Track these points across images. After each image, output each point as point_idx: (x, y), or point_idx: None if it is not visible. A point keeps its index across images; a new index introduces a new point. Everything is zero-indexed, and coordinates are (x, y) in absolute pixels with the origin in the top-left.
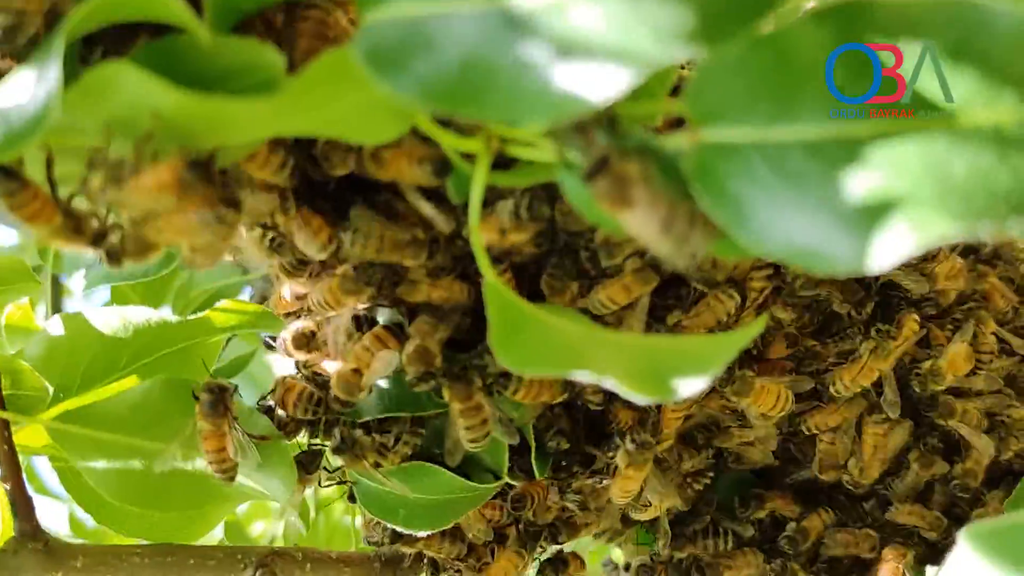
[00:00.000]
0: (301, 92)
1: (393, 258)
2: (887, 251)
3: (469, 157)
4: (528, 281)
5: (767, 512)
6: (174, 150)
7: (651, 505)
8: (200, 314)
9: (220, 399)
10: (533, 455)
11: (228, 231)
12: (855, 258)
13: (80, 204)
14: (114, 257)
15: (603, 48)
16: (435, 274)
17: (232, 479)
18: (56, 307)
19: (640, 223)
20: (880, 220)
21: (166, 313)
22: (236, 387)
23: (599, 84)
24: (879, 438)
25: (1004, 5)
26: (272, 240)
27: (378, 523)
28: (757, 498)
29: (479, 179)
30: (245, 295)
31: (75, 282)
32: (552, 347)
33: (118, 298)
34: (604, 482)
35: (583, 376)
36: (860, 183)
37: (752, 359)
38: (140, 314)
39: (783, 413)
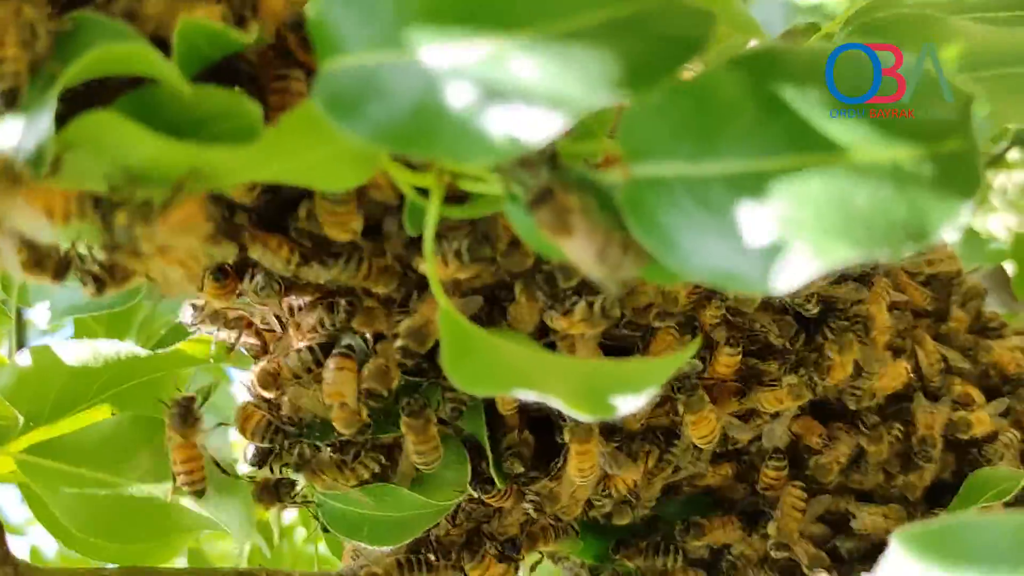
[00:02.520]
0: (276, 141)
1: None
2: (793, 273)
3: (423, 192)
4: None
5: (706, 542)
6: (197, 189)
7: (612, 494)
8: (169, 348)
9: (189, 410)
10: (491, 465)
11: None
12: (765, 279)
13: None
14: (97, 285)
15: (537, 95)
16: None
17: (202, 493)
18: (20, 340)
19: (578, 250)
20: (787, 245)
21: (135, 347)
22: (202, 399)
23: (535, 127)
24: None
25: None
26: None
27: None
28: (697, 527)
29: (432, 212)
30: None
31: (37, 314)
32: (500, 369)
33: (82, 330)
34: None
35: (528, 395)
36: (771, 212)
37: (705, 386)
38: (110, 347)
39: (710, 446)
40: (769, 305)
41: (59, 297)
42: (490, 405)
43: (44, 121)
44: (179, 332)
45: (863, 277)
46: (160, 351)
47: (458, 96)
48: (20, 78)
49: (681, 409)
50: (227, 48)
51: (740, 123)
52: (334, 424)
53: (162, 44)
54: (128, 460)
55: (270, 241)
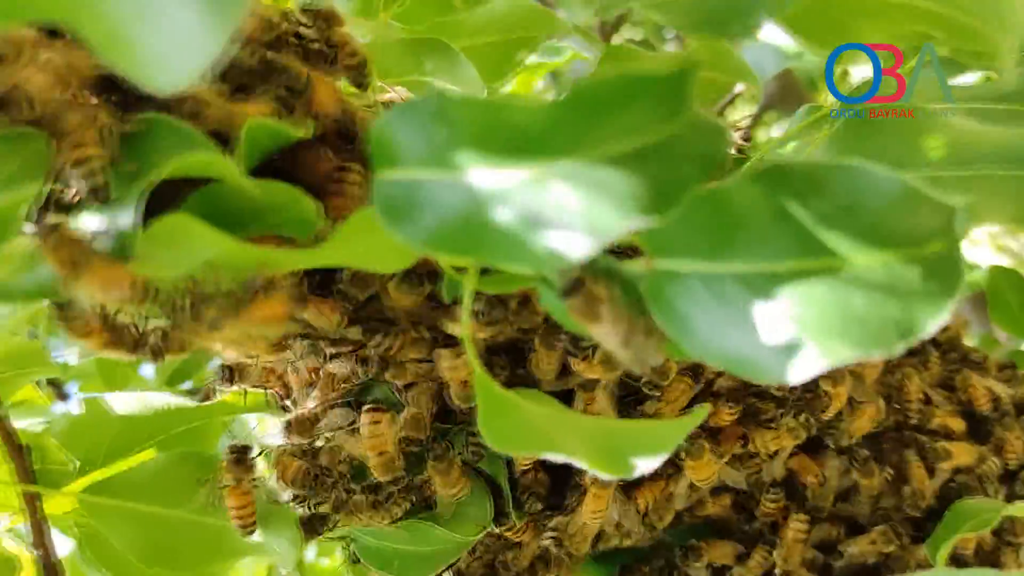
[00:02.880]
0: (339, 239)
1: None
2: (801, 368)
3: (460, 269)
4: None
5: (705, 563)
6: (284, 286)
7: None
8: (215, 399)
9: (244, 456)
10: (509, 503)
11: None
12: (778, 371)
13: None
14: (157, 355)
15: (574, 218)
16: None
17: (252, 532)
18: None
19: (606, 335)
20: (795, 342)
21: (181, 399)
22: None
23: (572, 245)
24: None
25: (885, 171)
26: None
27: None
28: (694, 550)
29: (469, 286)
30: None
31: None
32: (529, 431)
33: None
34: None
35: (555, 457)
36: (779, 310)
37: (708, 432)
38: (159, 398)
39: (708, 486)
40: None
41: None
42: None
43: (130, 216)
44: (188, 366)
45: None
46: (205, 403)
47: (503, 214)
48: (106, 174)
49: (683, 455)
50: (283, 142)
51: (752, 229)
52: (373, 471)
53: (218, 136)
54: (178, 494)
55: (323, 307)
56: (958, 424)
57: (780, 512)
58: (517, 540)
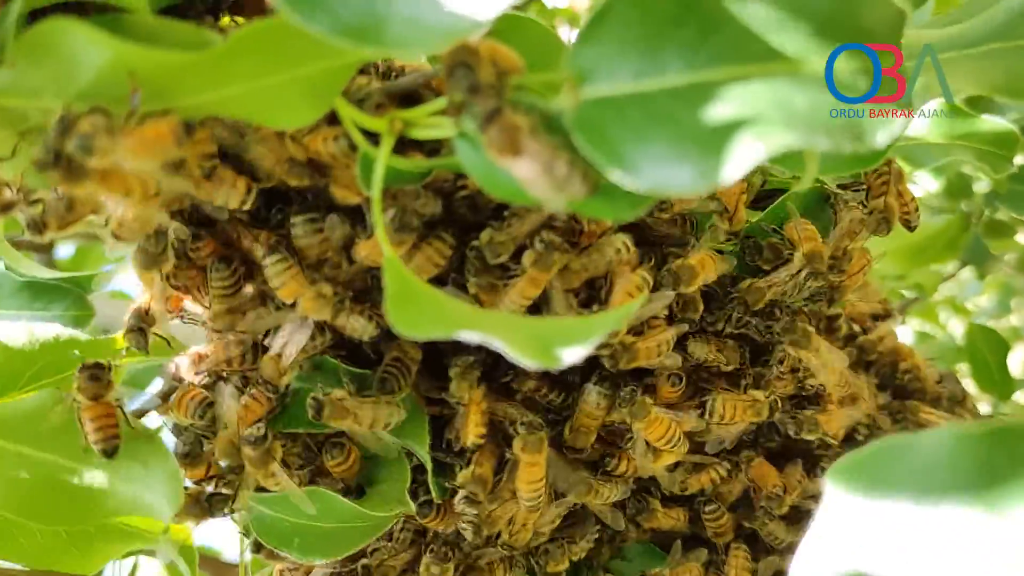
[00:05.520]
0: (232, 53)
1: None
2: (739, 159)
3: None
4: None
5: None
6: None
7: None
8: (109, 335)
9: (99, 373)
10: (430, 478)
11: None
12: (713, 171)
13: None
14: (36, 228)
15: None
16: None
17: (114, 452)
18: None
19: (526, 169)
20: (733, 138)
21: (74, 331)
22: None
23: (482, 8)
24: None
25: None
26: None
27: None
28: None
29: (382, 157)
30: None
31: None
32: (444, 315)
33: None
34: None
35: (472, 336)
36: (717, 115)
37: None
38: (47, 329)
39: (672, 448)
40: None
41: None
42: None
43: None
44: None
45: None
46: (100, 337)
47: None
48: None
49: (629, 420)
50: None
51: (684, 37)
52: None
53: None
54: (54, 437)
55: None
56: None
57: (727, 530)
58: (434, 528)
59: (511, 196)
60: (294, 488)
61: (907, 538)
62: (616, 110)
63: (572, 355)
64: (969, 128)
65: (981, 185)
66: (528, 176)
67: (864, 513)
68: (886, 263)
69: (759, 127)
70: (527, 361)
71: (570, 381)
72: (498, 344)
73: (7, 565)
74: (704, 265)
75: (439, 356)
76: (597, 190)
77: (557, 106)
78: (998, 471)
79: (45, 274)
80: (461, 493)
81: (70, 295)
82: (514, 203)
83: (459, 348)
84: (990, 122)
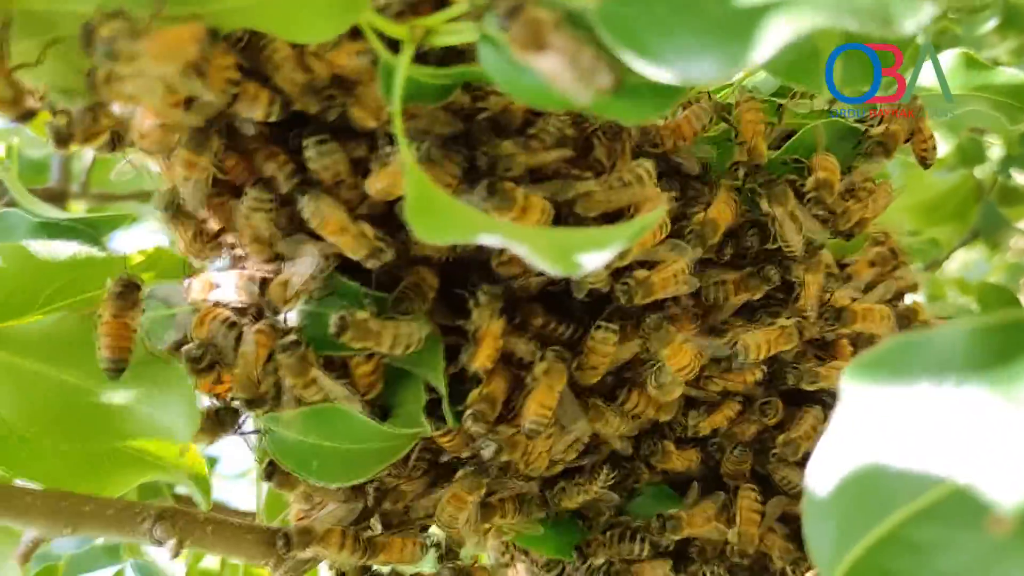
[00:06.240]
0: None
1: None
2: (768, 41)
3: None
4: None
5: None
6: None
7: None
8: (127, 252)
9: (130, 291)
10: (445, 404)
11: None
12: (742, 55)
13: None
14: (62, 139)
15: None
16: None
17: (120, 372)
18: None
19: (551, 64)
20: (760, 22)
21: (93, 249)
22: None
23: None
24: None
25: None
26: None
27: None
28: (675, 520)
29: (404, 63)
30: None
31: None
32: (464, 220)
33: None
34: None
35: (493, 240)
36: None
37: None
38: (68, 248)
39: (691, 375)
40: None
41: None
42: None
43: None
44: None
45: None
46: (118, 255)
47: None
48: None
49: (654, 346)
50: None
51: None
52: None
53: None
54: (70, 355)
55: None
56: None
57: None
58: (452, 451)
59: (536, 99)
60: (339, 389)
61: (925, 428)
62: (641, 2)
63: (592, 261)
64: (985, 80)
65: (994, 151)
66: (553, 70)
67: (882, 405)
68: (900, 217)
69: (787, 8)
70: (548, 267)
71: (579, 317)
72: (519, 249)
73: (24, 484)
74: (723, 214)
75: (454, 286)
76: (621, 85)
77: (581, 1)
78: (1013, 359)
79: (60, 215)
80: (468, 411)
81: (85, 237)
82: (539, 106)
83: (478, 278)
84: (1007, 74)
